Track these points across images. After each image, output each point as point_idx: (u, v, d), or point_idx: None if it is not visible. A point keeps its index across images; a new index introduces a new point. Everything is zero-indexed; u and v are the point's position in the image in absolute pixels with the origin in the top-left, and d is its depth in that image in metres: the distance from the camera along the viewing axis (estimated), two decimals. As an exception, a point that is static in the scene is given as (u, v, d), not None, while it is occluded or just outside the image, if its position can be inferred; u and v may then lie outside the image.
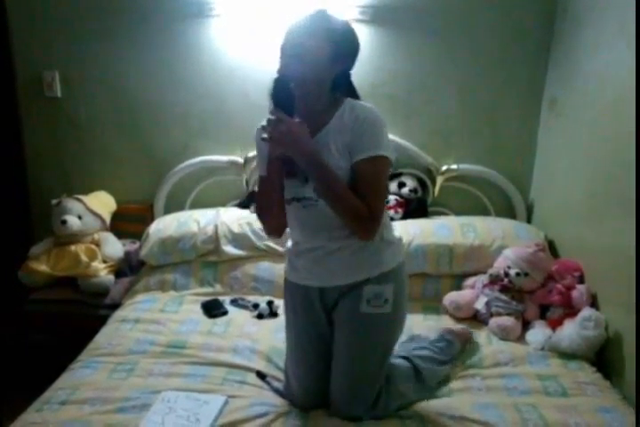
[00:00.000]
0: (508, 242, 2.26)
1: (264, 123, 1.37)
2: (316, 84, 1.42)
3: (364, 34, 2.46)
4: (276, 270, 2.28)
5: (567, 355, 1.82)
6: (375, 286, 1.49)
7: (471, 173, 2.58)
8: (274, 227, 1.57)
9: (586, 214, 2.11)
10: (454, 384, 1.71)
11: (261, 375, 1.73)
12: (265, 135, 1.34)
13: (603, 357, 1.85)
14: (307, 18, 1.40)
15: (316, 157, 1.36)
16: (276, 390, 1.67)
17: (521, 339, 1.97)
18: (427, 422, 1.51)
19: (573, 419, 1.50)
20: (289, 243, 1.63)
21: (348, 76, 1.51)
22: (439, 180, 2.56)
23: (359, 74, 2.46)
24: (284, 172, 1.44)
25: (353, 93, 1.51)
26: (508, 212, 2.60)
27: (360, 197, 1.38)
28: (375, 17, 2.42)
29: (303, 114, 1.39)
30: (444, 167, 2.55)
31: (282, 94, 1.35)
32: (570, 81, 2.28)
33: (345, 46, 1.42)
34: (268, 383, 1.70)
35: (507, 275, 2.10)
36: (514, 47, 2.46)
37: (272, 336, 1.95)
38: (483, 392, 1.65)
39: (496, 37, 2.45)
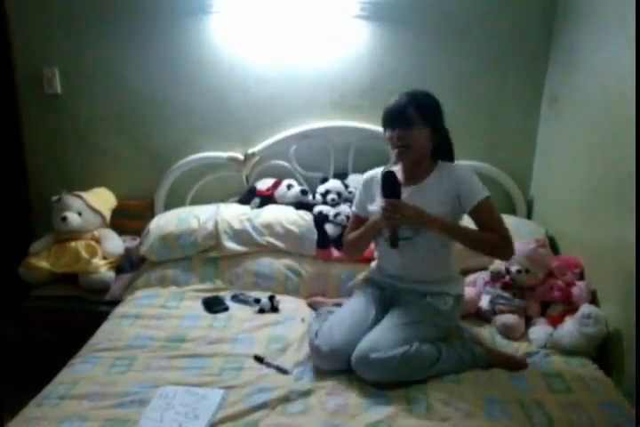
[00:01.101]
0: (508, 238, 2.26)
1: (378, 178, 1.81)
2: (422, 155, 1.79)
3: (364, 30, 2.46)
4: (277, 266, 2.29)
5: (569, 352, 1.82)
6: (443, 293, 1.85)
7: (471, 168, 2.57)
8: (353, 254, 2.05)
9: (586, 211, 2.10)
10: (463, 374, 1.71)
11: (259, 359, 1.74)
12: (386, 214, 1.69)
13: (603, 353, 1.85)
14: (399, 106, 1.71)
15: (444, 222, 1.73)
16: (277, 368, 1.69)
17: (524, 336, 1.97)
18: (431, 411, 1.52)
19: (577, 415, 1.50)
20: (373, 263, 2.01)
21: (448, 138, 1.85)
22: (440, 176, 2.56)
23: (360, 69, 2.53)
24: (390, 240, 1.79)
25: (450, 151, 1.87)
26: (507, 208, 2.60)
27: (489, 231, 1.75)
28: (375, 13, 2.42)
29: (407, 175, 1.82)
30: (445, 164, 2.55)
31: (390, 185, 1.70)
32: (570, 78, 2.27)
33: (436, 119, 1.76)
34: (268, 364, 1.72)
35: (508, 272, 2.09)
36: (514, 43, 2.46)
37: (272, 328, 1.97)
38: (489, 386, 1.65)
39: (496, 33, 2.45)
